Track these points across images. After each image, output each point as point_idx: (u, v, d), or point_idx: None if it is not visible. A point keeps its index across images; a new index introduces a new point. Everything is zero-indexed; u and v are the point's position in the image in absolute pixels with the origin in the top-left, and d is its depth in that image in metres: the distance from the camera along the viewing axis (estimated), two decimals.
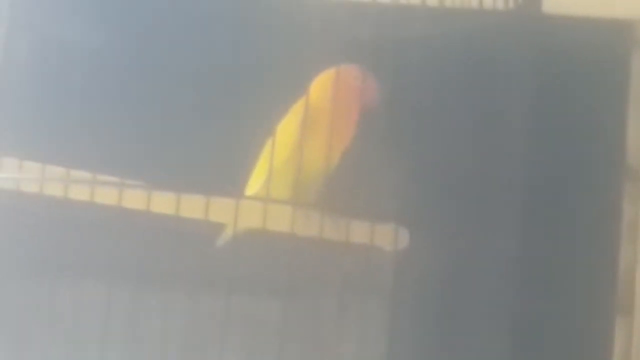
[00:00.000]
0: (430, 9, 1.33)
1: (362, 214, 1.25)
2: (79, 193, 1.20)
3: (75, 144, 1.20)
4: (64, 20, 1.35)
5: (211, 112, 1.31)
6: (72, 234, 1.26)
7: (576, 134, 1.40)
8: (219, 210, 1.20)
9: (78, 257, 1.29)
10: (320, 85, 1.26)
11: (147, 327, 1.32)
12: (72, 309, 1.28)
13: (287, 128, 1.23)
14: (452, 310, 1.35)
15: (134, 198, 1.19)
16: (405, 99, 1.30)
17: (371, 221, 1.23)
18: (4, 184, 1.18)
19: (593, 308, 1.37)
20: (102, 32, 1.34)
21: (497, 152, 1.38)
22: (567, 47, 1.39)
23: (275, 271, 1.28)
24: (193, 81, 1.31)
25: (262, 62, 1.34)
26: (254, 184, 1.25)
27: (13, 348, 1.28)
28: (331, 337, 1.29)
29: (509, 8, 1.34)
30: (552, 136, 1.40)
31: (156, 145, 1.27)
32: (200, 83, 1.32)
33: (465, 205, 1.36)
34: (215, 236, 1.26)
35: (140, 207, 1.19)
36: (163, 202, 1.20)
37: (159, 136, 1.28)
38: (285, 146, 1.22)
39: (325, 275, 1.31)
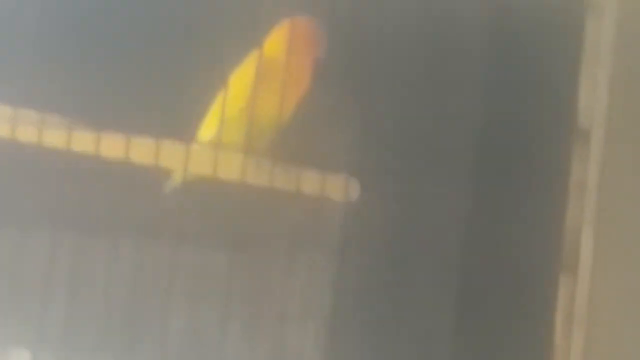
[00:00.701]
0: None
1: (313, 164, 1.24)
2: (25, 134, 1.17)
3: (23, 83, 1.17)
4: None
5: (165, 57, 1.29)
6: (17, 177, 1.24)
7: (528, 95, 1.41)
8: (169, 155, 1.19)
9: (22, 202, 1.27)
10: (275, 37, 1.26)
11: (91, 276, 1.30)
12: (15, 256, 1.26)
13: (241, 77, 1.23)
14: (400, 263, 1.35)
15: (81, 140, 1.17)
16: (359, 52, 1.29)
17: (322, 171, 1.23)
18: None
19: (538, 265, 1.38)
20: None
21: (450, 108, 1.38)
22: (522, 8, 1.39)
23: (224, 220, 1.27)
24: (148, 26, 1.29)
25: (215, 13, 1.32)
26: (206, 131, 1.24)
27: None
28: (278, 289, 1.28)
29: None
30: (505, 96, 1.41)
31: (106, 86, 1.25)
32: (154, 29, 1.29)
33: (416, 159, 1.36)
34: (164, 182, 1.24)
35: (88, 150, 1.17)
36: (112, 145, 1.18)
37: (110, 77, 1.26)
38: (239, 95, 1.22)
39: (274, 225, 1.30)
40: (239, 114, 1.22)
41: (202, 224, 1.30)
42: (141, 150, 1.19)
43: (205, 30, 1.30)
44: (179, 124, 1.24)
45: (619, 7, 1.43)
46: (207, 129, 1.24)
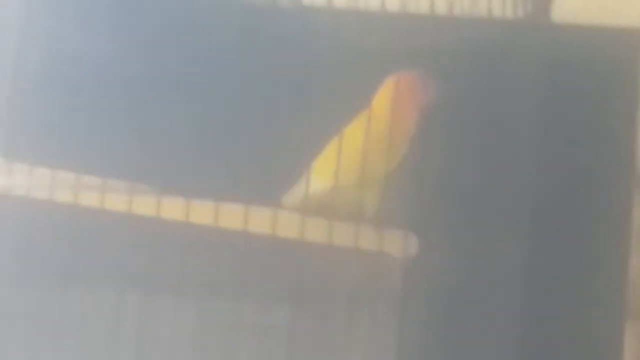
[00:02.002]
0: (439, 17, 1.33)
1: (371, 220, 1.25)
2: (88, 199, 1.20)
3: (87, 150, 1.20)
4: (76, 28, 1.36)
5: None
6: (81, 240, 1.26)
7: (586, 143, 1.40)
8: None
9: (87, 263, 1.30)
10: (381, 95, 1.29)
11: (155, 334, 1.32)
12: (81, 316, 1.28)
13: (351, 137, 1.25)
14: (461, 318, 1.34)
15: (144, 204, 1.20)
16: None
17: (380, 227, 1.23)
18: (15, 189, 1.19)
19: (603, 314, 1.37)
20: (114, 38, 1.34)
21: (507, 160, 1.38)
22: (576, 55, 1.39)
23: (285, 277, 1.28)
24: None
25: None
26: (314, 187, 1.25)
27: (23, 356, 1.28)
28: (340, 345, 1.29)
29: (518, 17, 1.35)
30: (562, 145, 1.40)
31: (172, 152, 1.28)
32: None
33: (475, 213, 1.36)
34: (224, 243, 1.26)
35: (150, 213, 1.19)
36: (173, 208, 1.20)
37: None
38: (349, 156, 1.23)
39: (334, 282, 1.31)
40: (348, 174, 1.23)
41: (263, 281, 1.31)
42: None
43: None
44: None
45: None
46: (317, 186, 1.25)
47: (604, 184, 1.40)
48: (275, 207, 1.22)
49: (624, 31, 1.41)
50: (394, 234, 1.24)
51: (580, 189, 1.40)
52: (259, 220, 1.22)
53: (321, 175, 1.25)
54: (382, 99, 1.28)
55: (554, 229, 1.38)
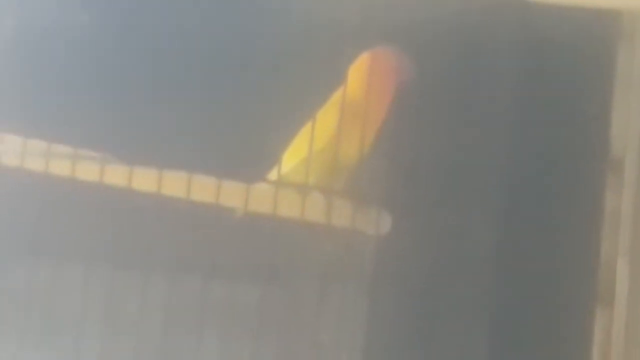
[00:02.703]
0: None
1: (344, 196, 1.24)
2: (59, 167, 1.18)
3: (59, 119, 1.19)
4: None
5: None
6: (50, 209, 1.25)
7: (560, 124, 1.40)
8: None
9: (56, 234, 1.28)
10: (355, 72, 1.27)
11: (124, 308, 1.30)
12: (49, 289, 1.26)
13: (326, 116, 1.24)
14: (432, 296, 1.34)
15: (115, 174, 1.18)
16: None
17: (353, 204, 1.23)
18: None
19: (574, 298, 1.37)
20: (87, 6, 1.33)
21: (481, 140, 1.38)
22: (553, 36, 1.39)
23: (256, 253, 1.28)
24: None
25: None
26: (286, 168, 1.24)
27: None
28: (311, 322, 1.28)
29: None
30: (536, 125, 1.40)
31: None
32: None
33: (448, 192, 1.35)
34: (195, 217, 1.25)
35: (122, 184, 1.18)
36: (145, 179, 1.19)
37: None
38: (322, 135, 1.22)
39: (306, 258, 1.30)
40: (320, 153, 1.22)
41: (233, 257, 1.30)
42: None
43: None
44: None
45: None
46: (287, 164, 1.24)
47: (578, 167, 1.40)
48: (248, 181, 1.21)
49: (601, 12, 1.40)
50: (367, 212, 1.23)
51: (554, 171, 1.39)
52: (231, 194, 1.21)
53: (294, 156, 1.24)
54: (357, 74, 1.27)
55: (526, 211, 1.38)
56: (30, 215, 1.23)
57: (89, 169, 1.18)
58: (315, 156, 1.22)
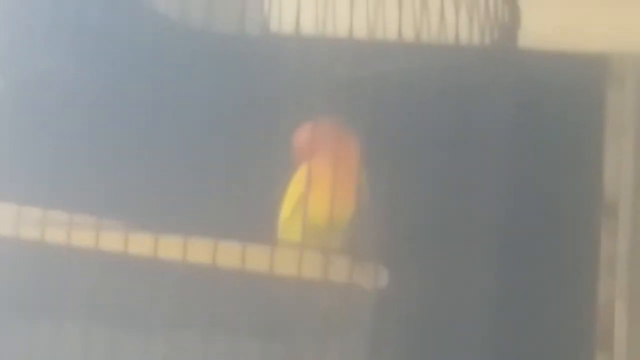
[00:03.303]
0: (406, 44, 1.33)
1: (340, 253, 1.24)
2: (55, 235, 1.18)
3: (53, 186, 1.19)
4: (43, 59, 1.34)
5: (210, 152, 1.30)
6: (48, 276, 1.25)
7: (553, 170, 1.41)
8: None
9: (56, 299, 1.28)
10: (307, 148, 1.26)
11: None
12: (49, 351, 1.26)
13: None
14: (433, 347, 1.34)
15: (111, 240, 1.18)
16: (383, 136, 1.29)
17: (350, 260, 1.23)
18: None
19: (573, 343, 1.37)
20: (80, 69, 1.33)
21: (476, 187, 1.38)
22: (544, 81, 1.39)
23: (255, 310, 1.27)
24: (178, 121, 1.30)
25: (241, 102, 1.34)
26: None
27: None
28: None
29: (484, 43, 1.35)
30: (530, 172, 1.41)
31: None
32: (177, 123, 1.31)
33: (444, 244, 1.35)
34: (193, 278, 1.24)
35: (118, 249, 1.18)
36: (141, 244, 1.19)
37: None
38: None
39: (305, 314, 1.30)
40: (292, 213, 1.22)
41: (234, 314, 1.30)
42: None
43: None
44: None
45: None
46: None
47: (572, 213, 1.41)
48: (244, 241, 1.21)
49: (590, 57, 1.41)
50: (363, 266, 1.23)
51: (548, 217, 1.40)
52: (227, 255, 1.20)
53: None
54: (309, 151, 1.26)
55: (523, 258, 1.38)
56: (28, 280, 1.23)
57: (84, 236, 1.17)
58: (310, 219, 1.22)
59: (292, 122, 1.31)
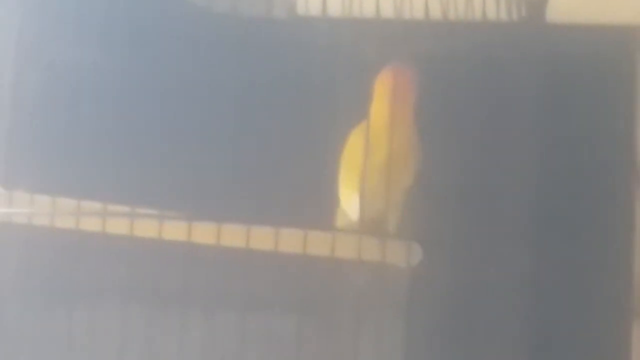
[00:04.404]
0: (434, 22, 1.33)
1: (374, 230, 1.25)
2: (90, 224, 1.20)
3: (87, 176, 1.20)
4: (71, 53, 1.36)
5: (240, 136, 1.31)
6: (84, 263, 1.27)
7: (586, 142, 1.40)
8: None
9: (92, 285, 1.30)
10: (376, 103, 1.26)
11: (164, 349, 1.32)
12: (88, 337, 1.28)
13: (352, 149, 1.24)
14: (467, 326, 1.35)
15: (145, 226, 1.20)
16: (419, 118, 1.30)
17: (383, 238, 1.24)
18: (16, 218, 1.19)
19: (609, 313, 1.37)
20: (113, 60, 1.34)
21: (508, 163, 1.38)
22: (573, 55, 1.39)
23: (290, 290, 1.29)
24: (219, 106, 1.31)
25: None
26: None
27: None
28: (347, 356, 1.29)
29: (512, 19, 1.34)
30: (563, 145, 1.40)
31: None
32: (225, 109, 1.32)
33: (477, 218, 1.36)
34: (227, 261, 1.26)
35: (153, 235, 1.20)
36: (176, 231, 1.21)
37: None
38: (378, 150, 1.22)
39: (339, 293, 1.31)
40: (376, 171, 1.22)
41: (270, 294, 1.31)
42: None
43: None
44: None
45: None
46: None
47: (606, 183, 1.40)
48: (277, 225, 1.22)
49: (619, 29, 1.40)
50: (397, 244, 1.24)
51: (582, 190, 1.39)
52: (260, 239, 1.22)
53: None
54: (378, 104, 1.27)
55: (557, 232, 1.38)
56: (66, 267, 1.25)
57: (119, 224, 1.19)
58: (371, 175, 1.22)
59: (322, 106, 1.31)
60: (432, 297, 1.33)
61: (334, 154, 1.27)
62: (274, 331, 1.33)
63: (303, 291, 1.29)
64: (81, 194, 1.20)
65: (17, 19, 1.35)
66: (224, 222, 1.20)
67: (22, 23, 1.35)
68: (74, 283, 1.28)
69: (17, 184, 1.23)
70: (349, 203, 1.26)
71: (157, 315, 1.31)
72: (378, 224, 1.24)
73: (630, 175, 1.40)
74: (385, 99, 1.24)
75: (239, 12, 1.33)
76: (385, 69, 1.26)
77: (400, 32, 1.31)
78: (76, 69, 1.33)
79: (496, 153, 1.38)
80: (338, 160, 1.27)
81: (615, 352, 1.36)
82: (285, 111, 1.35)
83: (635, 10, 1.39)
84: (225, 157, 1.30)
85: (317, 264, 1.24)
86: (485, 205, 1.36)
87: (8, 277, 1.31)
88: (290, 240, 1.23)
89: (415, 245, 1.25)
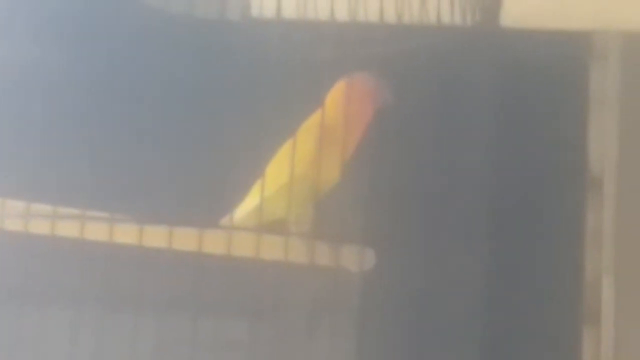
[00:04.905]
0: (388, 25, 1.33)
1: (326, 235, 1.25)
2: (40, 227, 1.19)
3: (36, 178, 1.19)
4: (24, 50, 1.34)
5: (192, 138, 1.30)
6: (34, 266, 1.25)
7: (538, 146, 1.41)
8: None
9: (42, 288, 1.28)
10: (331, 99, 1.26)
11: (114, 353, 1.31)
12: (37, 341, 1.27)
13: (304, 141, 1.23)
14: (421, 328, 1.35)
15: (96, 231, 1.19)
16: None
17: (336, 243, 1.23)
18: None
19: (560, 318, 1.38)
20: (67, 58, 1.33)
21: (460, 167, 1.38)
22: (527, 60, 1.39)
23: (242, 294, 1.28)
24: (167, 108, 1.30)
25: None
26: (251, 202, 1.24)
27: None
28: (300, 357, 1.29)
29: (467, 23, 1.35)
30: (515, 149, 1.41)
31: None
32: (171, 111, 1.31)
33: (430, 223, 1.36)
34: (179, 264, 1.25)
35: (104, 238, 1.18)
36: (127, 233, 1.19)
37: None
38: (303, 159, 1.22)
39: (292, 297, 1.31)
40: (300, 178, 1.22)
41: (221, 299, 1.30)
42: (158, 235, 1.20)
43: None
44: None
45: (622, 54, 1.44)
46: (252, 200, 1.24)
47: (558, 187, 1.41)
48: (229, 226, 1.21)
49: (571, 34, 1.41)
50: (349, 249, 1.24)
51: (534, 194, 1.40)
52: (213, 242, 1.21)
53: (274, 184, 1.24)
54: (334, 100, 1.27)
55: (508, 234, 1.39)
56: (16, 269, 1.23)
57: (69, 226, 1.18)
58: (296, 182, 1.22)
59: (275, 107, 1.31)
60: (385, 302, 1.33)
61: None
62: (226, 336, 1.32)
63: (256, 296, 1.28)
64: (30, 196, 1.18)
65: None
66: (176, 226, 1.19)
67: None
68: (23, 286, 1.26)
69: None
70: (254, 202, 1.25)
71: (108, 319, 1.29)
72: (282, 225, 1.24)
73: (582, 180, 1.41)
74: (339, 108, 1.24)
75: (194, 13, 1.32)
76: (346, 78, 1.26)
77: (355, 35, 1.31)
78: (26, 68, 1.32)
79: (449, 156, 1.38)
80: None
81: (566, 356, 1.37)
82: (238, 112, 1.34)
83: (587, 16, 1.41)
84: (177, 159, 1.29)
85: (270, 268, 1.24)
86: (437, 211, 1.37)
87: None
88: (242, 245, 1.22)
89: (368, 250, 1.25)
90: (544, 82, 1.41)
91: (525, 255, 1.38)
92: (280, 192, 1.23)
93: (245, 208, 1.26)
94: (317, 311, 1.27)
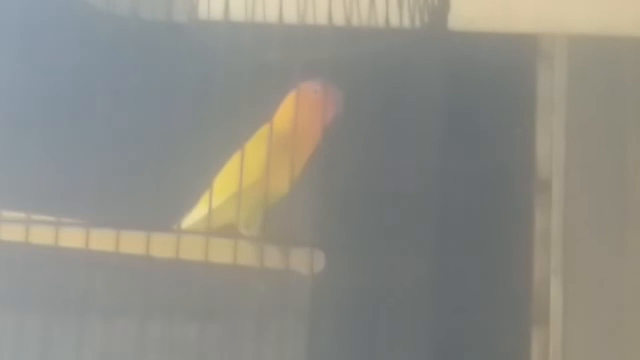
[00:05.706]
0: (337, 28, 1.32)
1: (276, 238, 1.24)
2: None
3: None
4: None
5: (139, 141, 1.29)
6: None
7: (487, 148, 1.42)
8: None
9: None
10: (283, 108, 1.26)
11: (61, 357, 1.29)
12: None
13: (255, 152, 1.22)
14: (371, 330, 1.35)
15: (43, 234, 1.17)
16: None
17: (286, 245, 1.23)
18: None
19: (509, 318, 1.38)
20: (9, 59, 1.31)
21: (410, 170, 1.38)
22: (475, 63, 1.40)
23: (192, 297, 1.27)
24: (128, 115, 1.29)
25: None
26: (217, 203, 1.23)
27: None
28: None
29: (415, 26, 1.35)
30: (463, 151, 1.41)
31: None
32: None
33: (380, 225, 1.36)
34: (127, 267, 1.24)
35: (50, 242, 1.17)
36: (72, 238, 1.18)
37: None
38: (252, 171, 1.21)
39: (242, 300, 1.30)
40: (250, 188, 1.21)
41: (169, 300, 1.29)
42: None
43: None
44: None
45: (570, 56, 1.45)
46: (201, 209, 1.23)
47: (506, 190, 1.42)
48: (178, 231, 1.20)
49: (519, 37, 1.42)
50: (300, 252, 1.24)
51: (483, 196, 1.41)
52: (161, 245, 1.20)
53: (223, 193, 1.24)
54: (285, 110, 1.26)
55: (458, 236, 1.39)
56: None
57: (16, 231, 1.16)
58: (245, 192, 1.21)
59: (222, 110, 1.30)
60: (335, 304, 1.33)
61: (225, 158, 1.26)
62: (175, 339, 1.32)
63: (205, 298, 1.27)
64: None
65: None
66: (123, 229, 1.18)
67: None
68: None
69: None
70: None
71: (55, 322, 1.28)
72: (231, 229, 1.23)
73: (530, 182, 1.42)
74: (289, 121, 1.23)
75: (140, 15, 1.31)
76: (296, 89, 1.25)
77: (303, 38, 1.30)
78: None
79: (398, 158, 1.39)
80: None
81: (515, 356, 1.37)
82: (186, 115, 1.33)
83: (534, 20, 1.42)
84: (128, 159, 1.28)
85: (220, 271, 1.23)
86: (387, 213, 1.37)
87: None
88: (190, 248, 1.22)
89: (318, 252, 1.25)
90: (492, 85, 1.42)
91: (474, 257, 1.39)
92: (228, 202, 1.22)
93: (193, 218, 1.25)
94: (268, 314, 1.27)
